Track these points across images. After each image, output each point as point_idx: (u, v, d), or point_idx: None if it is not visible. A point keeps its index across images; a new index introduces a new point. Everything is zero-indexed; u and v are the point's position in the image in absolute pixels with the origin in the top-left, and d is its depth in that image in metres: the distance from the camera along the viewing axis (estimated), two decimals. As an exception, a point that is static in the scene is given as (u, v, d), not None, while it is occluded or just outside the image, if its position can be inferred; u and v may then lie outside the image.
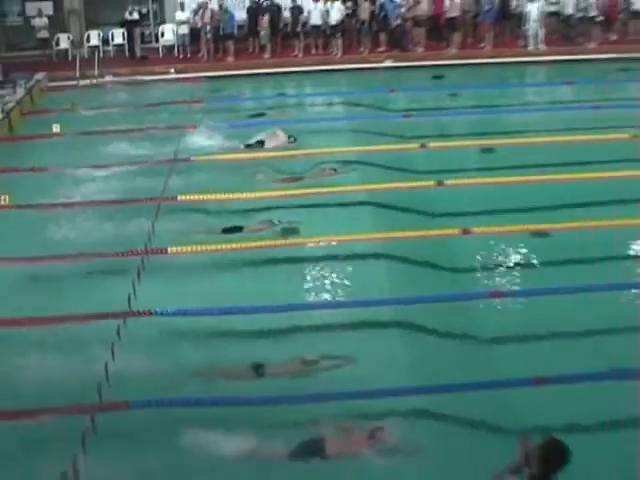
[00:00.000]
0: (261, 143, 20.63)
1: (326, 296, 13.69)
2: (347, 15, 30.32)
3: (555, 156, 19.34)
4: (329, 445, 9.64)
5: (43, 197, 17.46)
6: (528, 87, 28.90)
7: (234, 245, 14.86)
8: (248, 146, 20.62)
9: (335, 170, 18.72)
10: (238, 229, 15.89)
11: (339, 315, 12.97)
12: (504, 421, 9.97)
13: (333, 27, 30.01)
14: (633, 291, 13.60)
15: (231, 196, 17.27)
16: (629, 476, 9.26)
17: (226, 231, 15.80)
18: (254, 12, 30.07)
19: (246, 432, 9.79)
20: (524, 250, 14.96)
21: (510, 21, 31.37)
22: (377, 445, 9.47)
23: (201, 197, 17.27)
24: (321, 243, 15.34)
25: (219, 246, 14.94)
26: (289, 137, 20.74)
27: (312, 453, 9.59)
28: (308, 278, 14.27)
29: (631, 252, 14.69)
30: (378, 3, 30.43)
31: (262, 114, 24.42)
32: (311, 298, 13.63)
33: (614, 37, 31.21)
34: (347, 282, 14.12)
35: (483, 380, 10.95)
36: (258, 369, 11.33)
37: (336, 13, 29.92)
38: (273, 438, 9.80)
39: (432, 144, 20.36)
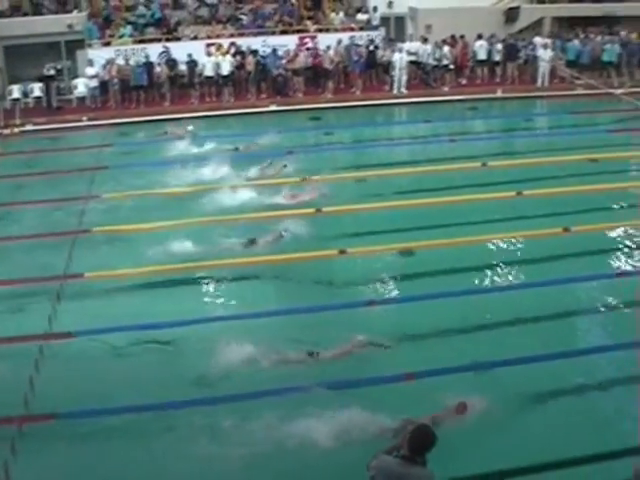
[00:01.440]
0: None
1: (225, 310, 13.69)
2: (236, 67, 30.41)
3: (418, 184, 19.71)
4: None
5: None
6: (393, 125, 29.32)
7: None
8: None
9: None
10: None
11: (238, 325, 12.90)
12: (379, 411, 10.05)
13: (224, 77, 30.08)
14: (484, 295, 14.03)
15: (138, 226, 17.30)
16: (479, 449, 9.67)
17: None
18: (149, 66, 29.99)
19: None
20: (393, 266, 15.21)
21: (376, 69, 31.81)
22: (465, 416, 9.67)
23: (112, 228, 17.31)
24: (220, 266, 15.31)
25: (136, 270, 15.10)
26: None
27: None
28: (208, 296, 14.31)
29: (480, 264, 15.04)
30: (259, 56, 30.70)
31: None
32: (212, 313, 13.56)
33: (464, 81, 31.97)
34: (245, 298, 14.17)
35: (364, 377, 11.24)
36: (312, 354, 11.52)
37: (227, 65, 30.06)
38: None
39: (311, 177, 20.44)
